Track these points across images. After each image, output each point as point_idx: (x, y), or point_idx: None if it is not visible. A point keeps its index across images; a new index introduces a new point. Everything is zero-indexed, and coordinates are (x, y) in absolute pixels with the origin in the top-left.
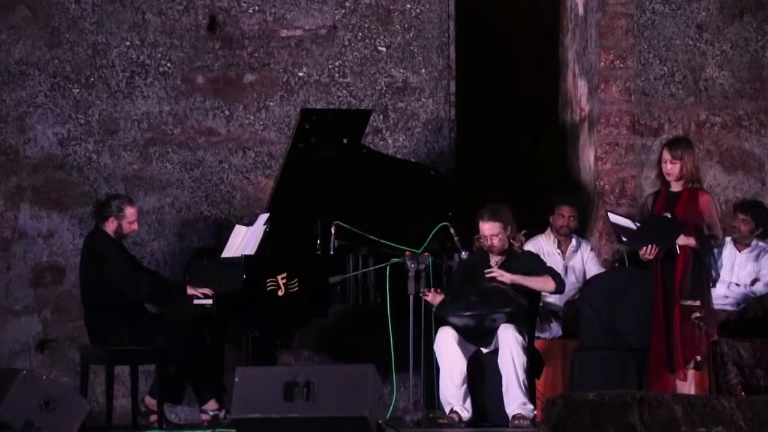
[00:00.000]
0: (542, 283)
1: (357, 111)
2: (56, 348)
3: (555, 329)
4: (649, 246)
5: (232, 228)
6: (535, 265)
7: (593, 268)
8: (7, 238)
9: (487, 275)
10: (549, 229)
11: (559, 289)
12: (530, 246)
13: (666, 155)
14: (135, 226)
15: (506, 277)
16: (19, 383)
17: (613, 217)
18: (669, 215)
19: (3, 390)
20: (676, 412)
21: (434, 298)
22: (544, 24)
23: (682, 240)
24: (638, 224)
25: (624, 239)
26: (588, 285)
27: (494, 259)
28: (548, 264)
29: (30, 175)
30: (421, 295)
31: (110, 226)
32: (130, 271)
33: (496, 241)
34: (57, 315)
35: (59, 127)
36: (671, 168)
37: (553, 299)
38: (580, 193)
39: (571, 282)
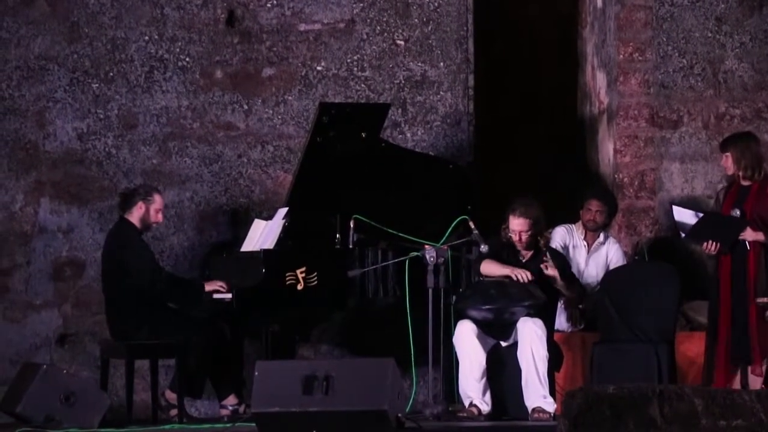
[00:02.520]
0: (570, 291)
1: (375, 105)
2: (76, 342)
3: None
4: (710, 242)
5: (251, 222)
6: (562, 268)
7: (618, 264)
8: (27, 232)
9: (544, 267)
10: (580, 221)
11: (577, 302)
12: (560, 232)
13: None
14: (160, 217)
15: (552, 271)
16: (39, 377)
17: (677, 211)
18: (738, 212)
19: (24, 384)
20: (697, 405)
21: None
22: (563, 17)
23: (750, 235)
24: (697, 219)
25: (683, 234)
26: (608, 278)
27: (523, 253)
28: (573, 255)
29: (49, 170)
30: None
31: (137, 214)
32: (151, 263)
33: (524, 237)
34: (77, 309)
35: (78, 122)
36: (723, 161)
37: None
38: (609, 188)
39: (592, 275)
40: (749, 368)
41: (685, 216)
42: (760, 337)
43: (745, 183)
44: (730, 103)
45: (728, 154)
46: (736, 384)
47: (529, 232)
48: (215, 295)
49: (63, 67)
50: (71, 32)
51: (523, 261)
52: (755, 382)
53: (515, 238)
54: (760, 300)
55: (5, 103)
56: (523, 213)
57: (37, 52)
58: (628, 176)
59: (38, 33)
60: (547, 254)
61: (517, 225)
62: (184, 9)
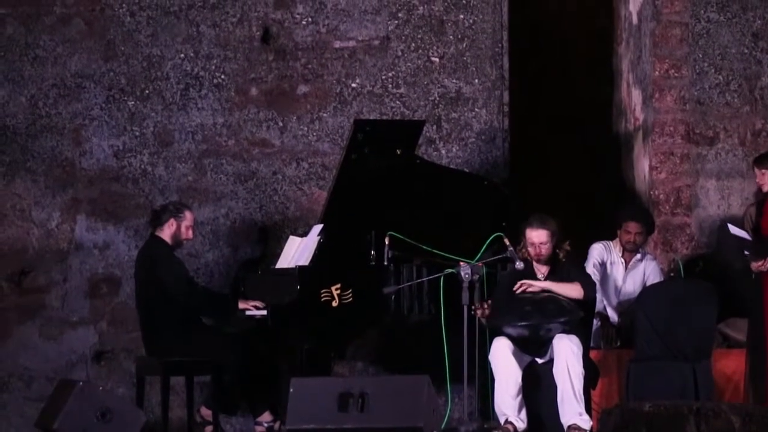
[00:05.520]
0: (570, 290)
1: (410, 121)
2: (112, 359)
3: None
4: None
5: (286, 239)
6: (575, 273)
7: (654, 281)
8: (64, 249)
9: (517, 292)
10: (617, 238)
11: (588, 296)
12: (597, 249)
13: (756, 171)
14: (191, 234)
15: (535, 286)
16: (76, 394)
17: (734, 229)
18: None
19: (60, 401)
20: (734, 423)
21: (483, 312)
22: (598, 33)
23: None
24: (754, 236)
25: (746, 252)
26: (644, 294)
27: (540, 270)
28: (611, 272)
29: (86, 187)
30: (473, 311)
31: (168, 231)
32: (185, 277)
33: (544, 249)
34: (113, 326)
35: (114, 140)
36: (759, 178)
37: (609, 310)
38: (646, 208)
39: (630, 292)
40: None
41: (740, 233)
42: None
43: None
44: (767, 119)
45: (766, 170)
46: None
47: (548, 244)
48: (248, 312)
49: (99, 84)
50: (107, 50)
51: (543, 279)
52: None
53: (534, 251)
54: None
55: (42, 120)
56: (541, 224)
57: (73, 70)
58: (664, 193)
59: (75, 51)
60: (537, 275)
61: (536, 237)
62: (219, 27)
